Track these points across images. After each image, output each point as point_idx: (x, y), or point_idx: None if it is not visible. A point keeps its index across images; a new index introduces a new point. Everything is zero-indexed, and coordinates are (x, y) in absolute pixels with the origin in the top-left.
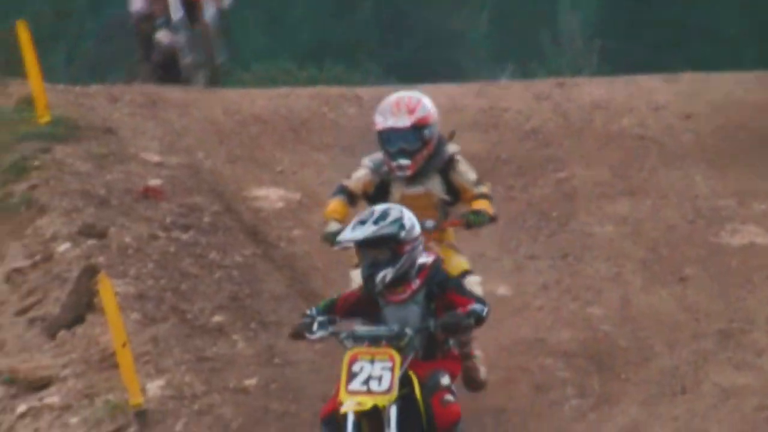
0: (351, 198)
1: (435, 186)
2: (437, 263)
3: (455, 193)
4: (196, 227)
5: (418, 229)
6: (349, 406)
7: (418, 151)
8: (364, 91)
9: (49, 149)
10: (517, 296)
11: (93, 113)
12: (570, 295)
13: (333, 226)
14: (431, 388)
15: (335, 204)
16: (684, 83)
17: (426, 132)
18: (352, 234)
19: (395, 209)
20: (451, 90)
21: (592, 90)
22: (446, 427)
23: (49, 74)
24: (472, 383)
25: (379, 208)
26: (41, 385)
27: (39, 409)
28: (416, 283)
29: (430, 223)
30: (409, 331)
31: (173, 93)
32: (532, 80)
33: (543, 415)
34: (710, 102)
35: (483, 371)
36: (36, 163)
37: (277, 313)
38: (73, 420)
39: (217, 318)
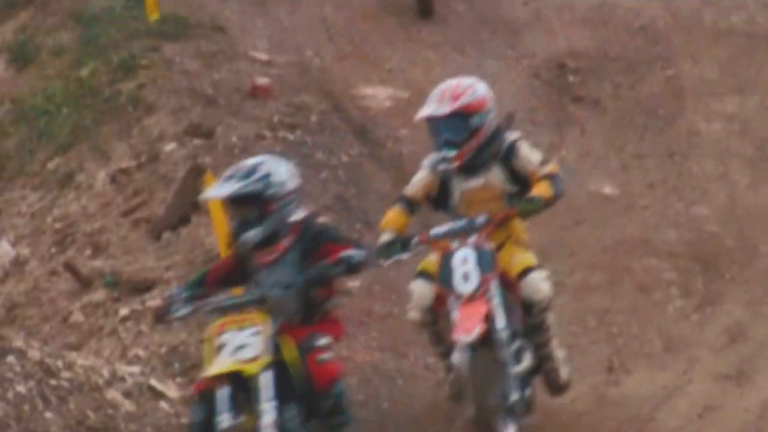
0: (410, 206)
1: (495, 177)
2: (310, 217)
3: (523, 180)
4: (303, 127)
5: (290, 186)
6: (211, 371)
7: (464, 141)
8: None
9: (158, 47)
10: (623, 195)
11: (202, 11)
12: (676, 194)
13: (385, 237)
14: (306, 349)
15: (392, 214)
16: None
17: (474, 120)
18: (217, 191)
19: (266, 163)
20: None
21: None
22: (324, 386)
23: None
24: (554, 386)
25: (250, 162)
26: (144, 287)
27: (142, 312)
28: (287, 242)
29: (481, 219)
30: (272, 293)
31: None
32: None
33: (646, 316)
34: None
35: (565, 371)
36: (144, 61)
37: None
38: (176, 323)
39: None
